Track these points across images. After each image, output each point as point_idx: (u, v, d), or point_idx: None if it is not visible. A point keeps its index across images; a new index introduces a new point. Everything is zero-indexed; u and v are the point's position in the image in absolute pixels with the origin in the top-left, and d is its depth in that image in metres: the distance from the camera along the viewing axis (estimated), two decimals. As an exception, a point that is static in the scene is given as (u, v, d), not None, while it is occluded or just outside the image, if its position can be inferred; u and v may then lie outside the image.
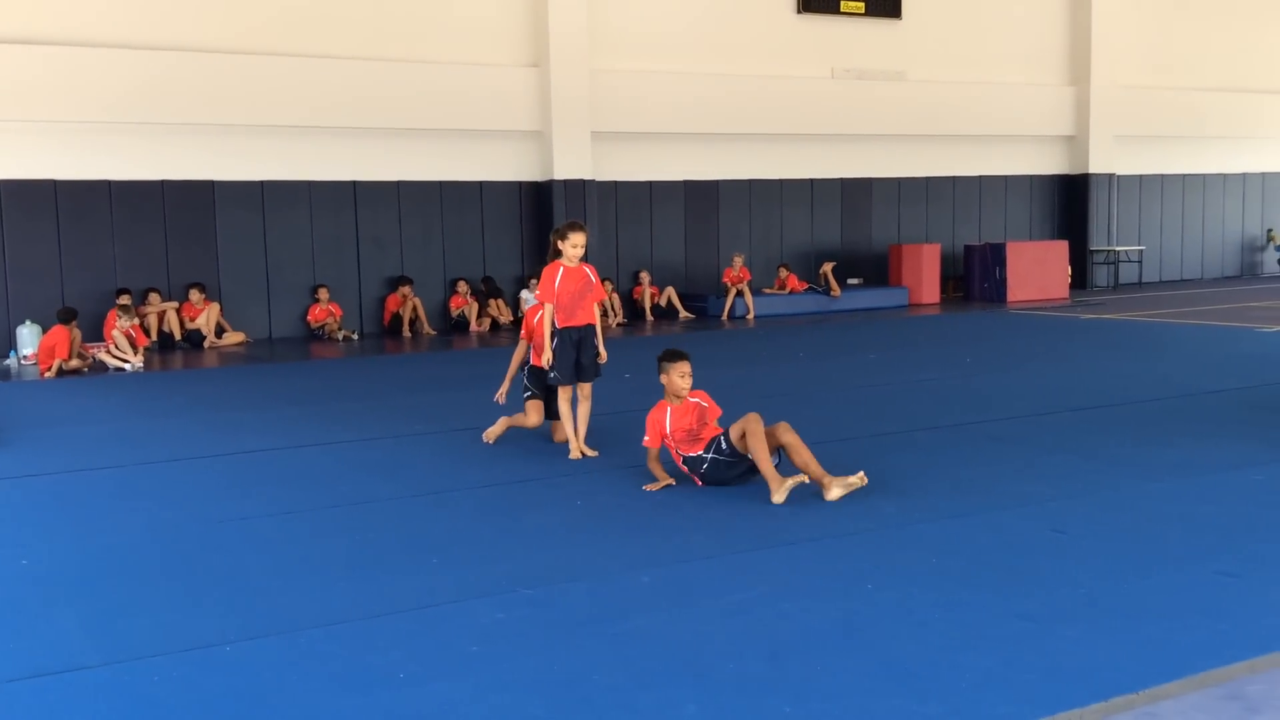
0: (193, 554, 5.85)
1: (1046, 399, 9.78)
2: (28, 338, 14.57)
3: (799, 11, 20.19)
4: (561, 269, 7.91)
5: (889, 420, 9.05)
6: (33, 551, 5.93)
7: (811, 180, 20.79)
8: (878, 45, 21.00)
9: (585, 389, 8.03)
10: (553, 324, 7.92)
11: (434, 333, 17.18)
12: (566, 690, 3.99)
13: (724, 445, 6.79)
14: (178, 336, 15.71)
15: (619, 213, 19.07)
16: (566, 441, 8.06)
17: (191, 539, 6.13)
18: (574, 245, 7.88)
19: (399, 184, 17.53)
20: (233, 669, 4.25)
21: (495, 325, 17.55)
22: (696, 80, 19.17)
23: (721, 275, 19.35)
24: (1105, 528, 5.83)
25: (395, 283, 17.35)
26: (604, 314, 17.26)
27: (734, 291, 18.64)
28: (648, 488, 6.88)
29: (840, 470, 6.66)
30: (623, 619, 4.68)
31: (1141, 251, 23.69)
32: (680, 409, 7.06)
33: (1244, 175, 25.31)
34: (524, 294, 17.55)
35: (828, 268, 19.62)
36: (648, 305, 18.61)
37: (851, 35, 20.78)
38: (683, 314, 18.75)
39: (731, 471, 6.83)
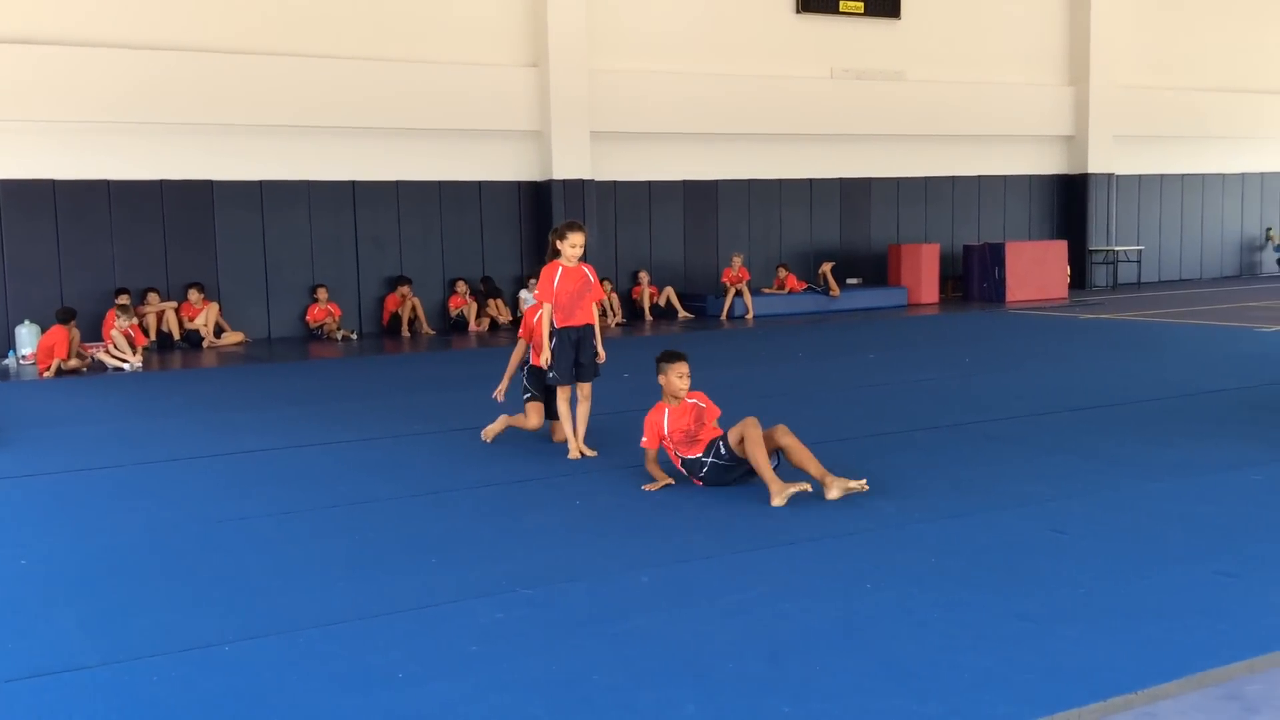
0: (192, 554, 5.84)
1: (1045, 399, 9.79)
2: (26, 337, 14.56)
3: (798, 11, 20.19)
4: (560, 269, 7.91)
5: (888, 420, 9.05)
6: (32, 551, 5.93)
7: (810, 180, 20.79)
8: (877, 45, 21.00)
9: (585, 389, 8.03)
10: (551, 324, 7.92)
11: (433, 332, 17.18)
12: (566, 690, 3.99)
13: (722, 449, 6.80)
14: (176, 336, 15.70)
15: (618, 212, 19.07)
16: (566, 441, 8.06)
17: (190, 539, 6.13)
18: (573, 245, 7.88)
19: (398, 184, 17.52)
20: (232, 669, 4.25)
21: (494, 325, 17.54)
22: (695, 80, 19.17)
23: (720, 275, 19.35)
24: (1104, 528, 5.83)
25: (394, 282, 17.35)
26: (603, 314, 17.28)
27: (733, 291, 18.64)
28: (647, 488, 6.88)
29: (840, 471, 6.65)
30: (622, 619, 4.68)
31: (1140, 251, 23.70)
32: (678, 410, 7.06)
33: (1243, 175, 25.33)
34: (523, 294, 17.55)
35: (827, 268, 19.62)
36: (647, 305, 18.61)
37: (850, 35, 20.79)
38: (682, 314, 18.75)
39: (730, 475, 6.84)
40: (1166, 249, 24.60)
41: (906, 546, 5.58)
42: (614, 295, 18.25)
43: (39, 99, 14.97)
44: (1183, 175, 24.59)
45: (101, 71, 15.23)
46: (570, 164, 18.09)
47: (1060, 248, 21.26)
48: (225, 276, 16.49)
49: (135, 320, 14.62)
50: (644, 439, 7.13)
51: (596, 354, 8.04)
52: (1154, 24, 23.69)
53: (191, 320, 15.82)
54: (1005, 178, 22.78)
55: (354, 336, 16.82)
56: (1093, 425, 8.59)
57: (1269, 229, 25.64)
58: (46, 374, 13.34)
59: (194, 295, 15.88)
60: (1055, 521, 5.95)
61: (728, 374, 11.79)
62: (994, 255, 20.51)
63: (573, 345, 7.94)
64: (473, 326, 17.43)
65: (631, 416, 8.25)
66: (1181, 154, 24.48)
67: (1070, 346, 13.83)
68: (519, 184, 18.34)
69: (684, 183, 19.65)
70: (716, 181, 19.93)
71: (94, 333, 14.91)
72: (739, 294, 18.64)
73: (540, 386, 8.36)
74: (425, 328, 17.18)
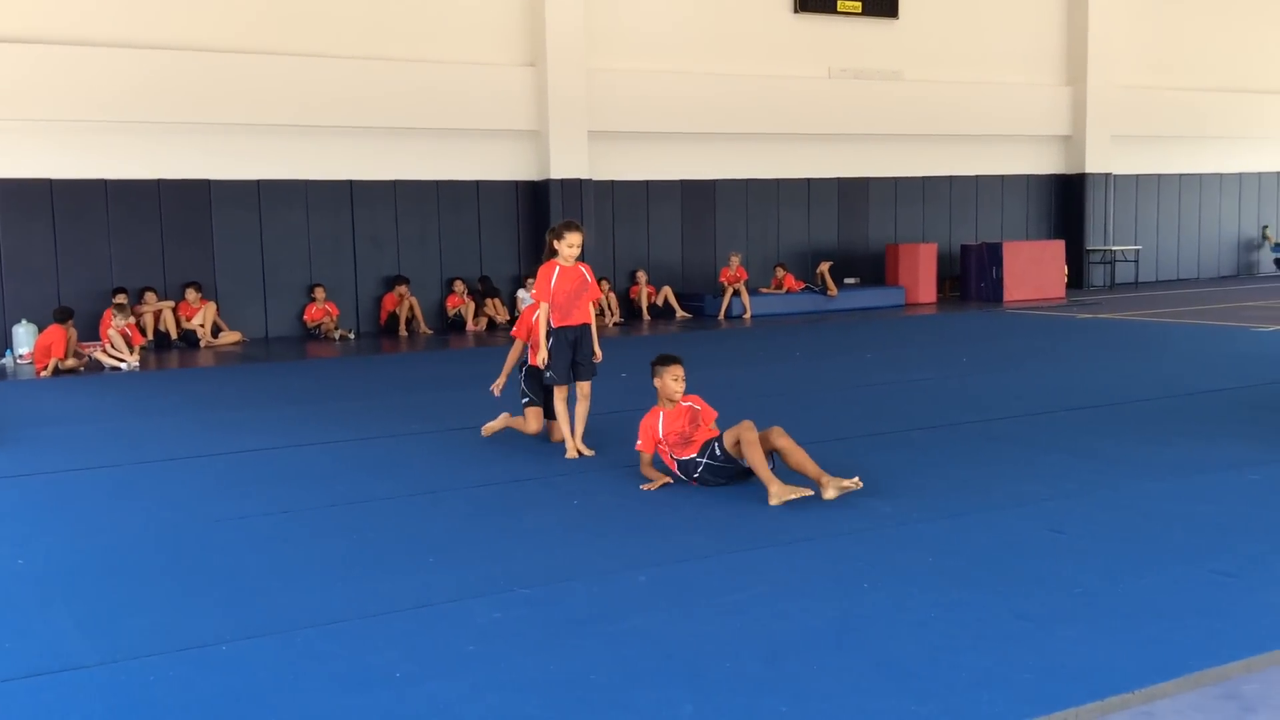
0: (189, 553, 5.84)
1: (1043, 398, 9.79)
2: (24, 337, 14.56)
3: (796, 11, 20.19)
4: (557, 268, 7.91)
5: (885, 420, 9.05)
6: (29, 551, 5.92)
7: (808, 180, 20.80)
8: (874, 45, 21.01)
9: (584, 388, 8.02)
10: (548, 323, 7.92)
11: (431, 332, 17.18)
12: (564, 690, 3.98)
13: (717, 450, 6.80)
14: (174, 336, 15.70)
15: (616, 212, 19.07)
16: (563, 441, 8.06)
17: (188, 538, 6.12)
18: (570, 245, 7.88)
19: (395, 183, 17.52)
20: (229, 668, 4.24)
21: (492, 324, 17.54)
22: (693, 80, 19.17)
23: (718, 275, 19.35)
24: (1102, 527, 5.83)
25: (392, 282, 17.35)
26: (600, 313, 17.28)
27: (731, 291, 18.64)
28: (645, 488, 6.88)
29: (837, 470, 6.66)
30: (620, 619, 4.67)
31: (1138, 251, 23.71)
32: (673, 413, 7.07)
33: (1240, 175, 25.35)
34: (521, 293, 17.55)
35: (824, 267, 19.62)
36: (644, 305, 18.61)
37: (848, 35, 20.79)
38: (679, 313, 18.75)
39: (725, 475, 6.84)
40: (1164, 249, 24.62)
41: (904, 546, 5.58)
42: (612, 295, 18.26)
43: (36, 98, 14.95)
44: (1180, 175, 24.61)
45: (99, 71, 15.22)
46: (568, 163, 18.09)
47: (1058, 247, 21.27)
48: (223, 276, 16.48)
49: (132, 319, 14.61)
50: (639, 442, 7.13)
51: (594, 354, 8.05)
52: (1152, 24, 23.71)
53: (189, 320, 15.81)
54: (1003, 177, 22.80)
55: (351, 336, 16.82)
56: (1090, 425, 8.59)
57: (1265, 227, 25.67)
58: (44, 373, 13.33)
59: (191, 295, 15.87)
60: (1053, 521, 5.95)
61: (725, 374, 11.79)
62: (992, 255, 20.52)
63: (570, 345, 7.94)
64: (470, 326, 17.42)
65: (629, 416, 8.25)
66: (1179, 154, 24.50)
67: (1068, 346, 13.84)
68: (517, 183, 18.34)
69: (682, 182, 19.66)
70: (714, 181, 19.94)
71: (91, 332, 14.90)
72: (737, 294, 18.64)
73: (539, 390, 8.36)
74: (423, 327, 17.17)
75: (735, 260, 18.90)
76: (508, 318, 17.52)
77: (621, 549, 5.70)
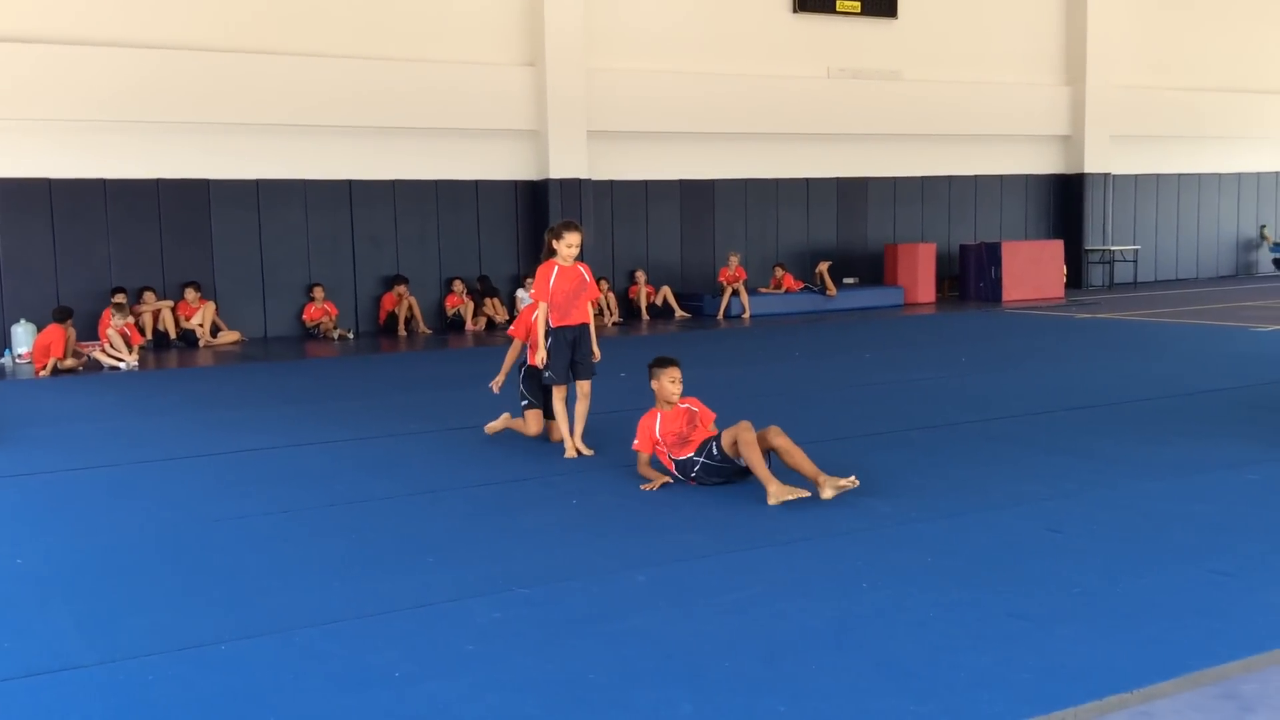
0: (188, 553, 5.84)
1: (1042, 398, 9.79)
2: (22, 336, 14.56)
3: (794, 11, 20.20)
4: (556, 268, 7.91)
5: (884, 419, 9.05)
6: (28, 550, 5.92)
7: (807, 180, 20.80)
8: (873, 44, 21.02)
9: (584, 388, 8.03)
10: (547, 323, 7.93)
11: (430, 332, 17.18)
12: (563, 689, 3.99)
13: (715, 451, 6.80)
14: (173, 335, 15.70)
15: (615, 212, 19.07)
16: (562, 441, 8.06)
17: (187, 538, 6.12)
18: (569, 245, 7.88)
19: (394, 183, 17.51)
20: (228, 668, 4.24)
21: (491, 324, 17.53)
22: (692, 80, 19.17)
23: (717, 274, 19.35)
24: (1101, 527, 5.84)
25: (391, 282, 17.35)
26: (599, 313, 17.28)
27: (730, 291, 18.64)
28: (645, 488, 6.88)
29: (834, 470, 6.66)
30: (619, 618, 4.68)
31: (1137, 251, 23.72)
32: (670, 414, 7.08)
33: (1239, 175, 25.36)
34: (520, 293, 17.55)
35: (823, 267, 19.63)
36: (643, 304, 18.61)
37: (847, 34, 20.80)
38: (678, 313, 18.75)
39: (722, 475, 6.85)
40: (1163, 249, 24.63)
41: (903, 546, 5.58)
42: (611, 295, 18.26)
43: (34, 98, 14.95)
44: (1179, 175, 24.62)
45: (97, 70, 15.22)
46: (567, 163, 18.09)
47: (1056, 247, 21.28)
48: (221, 275, 16.48)
49: (131, 319, 14.61)
50: (636, 442, 7.14)
51: (592, 353, 8.05)
52: (1150, 24, 23.72)
53: (188, 319, 15.81)
54: (1002, 177, 22.80)
55: (350, 336, 16.81)
56: (1089, 425, 8.60)
57: (1263, 226, 25.68)
58: (42, 373, 13.32)
59: (190, 294, 15.87)
60: (1052, 521, 5.95)
61: (724, 373, 11.80)
62: (990, 255, 20.53)
63: (569, 345, 7.94)
64: (469, 326, 17.42)
65: (628, 415, 8.25)
66: (1178, 154, 24.51)
67: (1066, 346, 13.85)
68: (516, 183, 18.34)
69: (681, 182, 19.66)
70: (713, 181, 19.94)
71: (90, 332, 14.90)
72: (736, 293, 18.65)
73: (537, 392, 8.36)
74: (422, 327, 17.17)
75: (734, 260, 18.90)
76: (507, 317, 17.51)
77: (620, 549, 5.71)
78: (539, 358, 7.97)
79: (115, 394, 11.88)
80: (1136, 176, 24.05)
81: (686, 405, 7.15)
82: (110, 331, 14.08)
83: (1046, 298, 20.45)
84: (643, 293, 18.66)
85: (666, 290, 18.89)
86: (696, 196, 19.81)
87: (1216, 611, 4.58)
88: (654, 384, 7.16)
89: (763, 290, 19.48)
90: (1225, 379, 10.71)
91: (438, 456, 8.12)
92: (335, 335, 16.54)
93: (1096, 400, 9.66)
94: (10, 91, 14.80)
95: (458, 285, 17.61)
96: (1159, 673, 3.97)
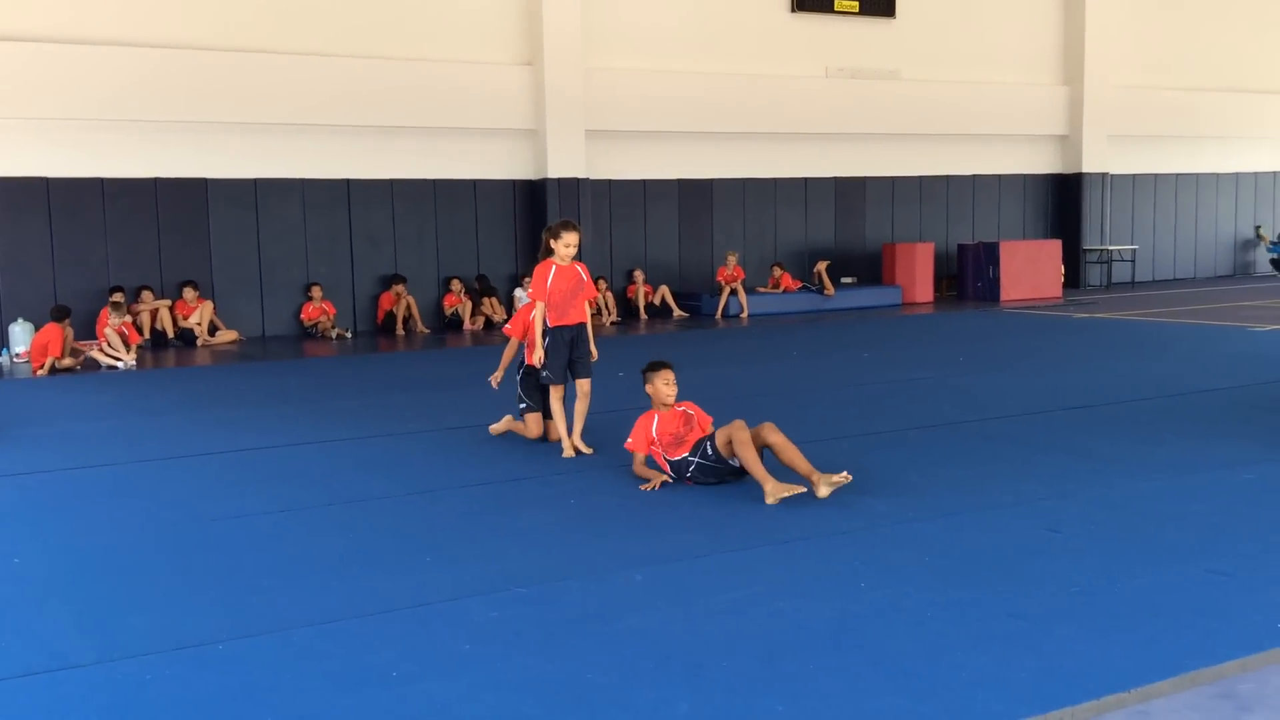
0: (187, 552, 5.84)
1: (1040, 398, 9.80)
2: (20, 335, 14.55)
3: (793, 10, 20.19)
4: (554, 268, 7.92)
5: (882, 419, 9.06)
6: (26, 549, 5.92)
7: (806, 179, 20.80)
8: (872, 44, 21.02)
9: (584, 386, 8.03)
10: (544, 323, 7.93)
11: (428, 331, 17.17)
12: (560, 689, 3.99)
13: (709, 450, 6.81)
14: (171, 334, 15.69)
15: (613, 211, 19.07)
16: (560, 440, 8.06)
17: (185, 537, 6.12)
18: (566, 245, 7.88)
19: (392, 182, 17.51)
20: (226, 667, 4.24)
21: (489, 324, 17.52)
22: (690, 79, 19.17)
23: (715, 274, 19.35)
24: (1098, 526, 5.84)
25: (389, 281, 17.34)
26: (596, 313, 17.28)
27: (728, 290, 18.64)
28: (644, 487, 6.88)
29: (828, 467, 6.66)
30: (617, 618, 4.68)
31: (1135, 251, 23.73)
32: (667, 416, 7.10)
33: (1237, 175, 25.37)
34: (518, 292, 17.55)
35: (822, 266, 19.62)
36: (642, 304, 18.60)
37: (845, 34, 20.80)
38: (677, 313, 18.75)
39: (717, 474, 6.85)
40: (1161, 248, 24.64)
41: (901, 545, 5.59)
42: (609, 294, 18.26)
43: (32, 96, 14.94)
44: (1177, 175, 24.63)
45: (95, 69, 15.21)
46: (565, 162, 18.09)
47: (1054, 247, 21.29)
48: (219, 274, 16.47)
49: (129, 318, 14.60)
50: (630, 441, 7.14)
51: (589, 353, 8.05)
52: (1148, 24, 23.72)
53: (186, 318, 15.80)
54: (1000, 177, 22.81)
55: (349, 335, 16.81)
56: (1087, 424, 8.60)
57: (1258, 227, 25.69)
58: (40, 372, 13.31)
59: (188, 293, 15.86)
60: (1049, 520, 5.96)
61: (722, 373, 11.81)
62: (988, 254, 20.53)
63: (566, 344, 7.95)
64: (468, 325, 17.42)
65: (626, 415, 8.25)
66: (1176, 154, 24.52)
67: (1064, 346, 13.85)
68: (514, 182, 18.33)
69: (679, 181, 19.66)
70: (711, 180, 19.94)
71: (88, 331, 14.88)
72: (734, 293, 18.64)
73: (536, 394, 8.36)
74: (420, 326, 17.17)
75: (732, 259, 18.90)
76: (504, 317, 17.51)
77: (618, 548, 5.71)
78: (536, 357, 7.97)
79: (113, 393, 11.87)
80: (1134, 176, 24.06)
81: (683, 408, 7.16)
82: (108, 331, 14.06)
83: (1044, 297, 20.46)
84: (641, 292, 18.66)
85: (665, 290, 18.89)
86: (695, 196, 19.81)
87: (1214, 611, 4.58)
88: (648, 388, 7.18)
89: (761, 290, 19.48)
90: (1223, 379, 10.72)
91: (436, 456, 8.12)
92: (333, 334, 16.54)
93: (1094, 400, 9.67)
94: (8, 90, 14.79)
95: (456, 284, 17.61)
96: (1156, 672, 3.98)
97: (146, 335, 15.46)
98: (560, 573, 5.28)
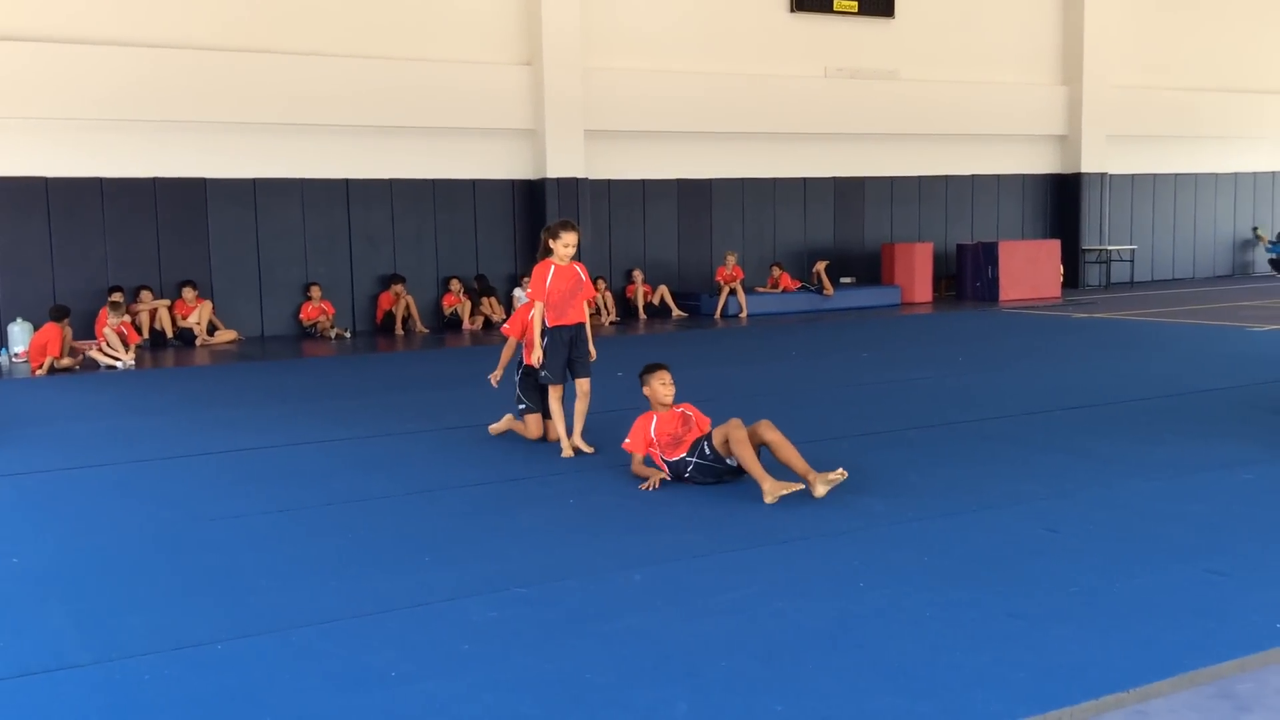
0: (185, 552, 5.84)
1: (1038, 398, 9.80)
2: (19, 335, 14.55)
3: (792, 10, 20.20)
4: (553, 267, 7.92)
5: (881, 419, 9.06)
6: (24, 549, 5.92)
7: (804, 179, 20.80)
8: (871, 44, 21.02)
9: (584, 386, 8.02)
10: (543, 322, 7.93)
11: (427, 331, 17.17)
12: (559, 689, 3.99)
13: (707, 450, 6.81)
14: (169, 334, 15.69)
15: (612, 211, 19.07)
16: (559, 440, 8.06)
17: (184, 537, 6.12)
18: (565, 244, 7.88)
19: (392, 182, 17.51)
20: (225, 667, 4.24)
21: (488, 323, 17.52)
22: (689, 79, 19.18)
23: (714, 274, 19.35)
24: (1097, 526, 5.84)
25: (388, 281, 17.34)
26: (595, 312, 17.28)
27: (727, 290, 18.65)
28: (644, 487, 6.88)
29: (828, 468, 6.66)
30: (616, 617, 4.68)
31: (1134, 251, 23.74)
32: (666, 417, 7.10)
33: (1235, 175, 25.38)
34: (517, 292, 17.55)
35: (821, 266, 19.63)
36: (640, 304, 18.60)
37: (844, 34, 20.80)
38: (675, 312, 18.75)
39: (715, 474, 6.85)
40: (1159, 248, 24.65)
41: (900, 545, 5.59)
42: (608, 294, 18.25)
43: (31, 96, 14.94)
44: (1175, 175, 24.64)
45: (94, 68, 15.20)
46: (564, 162, 18.09)
47: (1053, 247, 21.29)
48: (218, 274, 16.47)
49: (128, 318, 14.60)
50: (628, 441, 7.14)
51: (588, 353, 8.05)
52: (1147, 24, 23.73)
53: (185, 318, 15.80)
54: (999, 177, 22.82)
55: (348, 335, 16.81)
56: (1085, 424, 8.60)
57: (1255, 227, 25.70)
58: (39, 372, 13.31)
59: (187, 293, 15.86)
60: (1048, 520, 5.96)
61: (721, 373, 11.81)
62: (987, 254, 20.54)
63: (565, 344, 7.95)
64: (467, 325, 17.42)
65: (625, 415, 8.25)
66: (1175, 154, 24.53)
67: (1063, 346, 13.86)
68: (513, 182, 18.33)
69: (678, 181, 19.66)
70: (710, 180, 19.94)
71: (86, 330, 14.87)
72: (733, 293, 18.65)
73: (535, 395, 8.36)
74: (419, 326, 17.17)
75: (731, 259, 18.91)
76: (504, 317, 17.51)
77: (617, 548, 5.71)
78: (535, 357, 7.97)
79: (112, 393, 11.87)
80: (1133, 176, 24.07)
81: (682, 409, 7.17)
82: (107, 330, 14.06)
83: (1043, 297, 20.47)
84: (640, 292, 18.66)
85: (664, 289, 18.89)
86: (694, 196, 19.81)
87: (1212, 611, 4.58)
88: (646, 390, 7.19)
89: (760, 289, 19.48)
90: (1221, 379, 10.73)
91: (435, 455, 8.12)
92: (332, 334, 16.54)
93: (1093, 400, 9.68)
94: (7, 90, 14.79)
95: (455, 284, 17.61)
96: (1155, 672, 3.98)
97: (145, 335, 15.45)
98: (559, 572, 5.28)
